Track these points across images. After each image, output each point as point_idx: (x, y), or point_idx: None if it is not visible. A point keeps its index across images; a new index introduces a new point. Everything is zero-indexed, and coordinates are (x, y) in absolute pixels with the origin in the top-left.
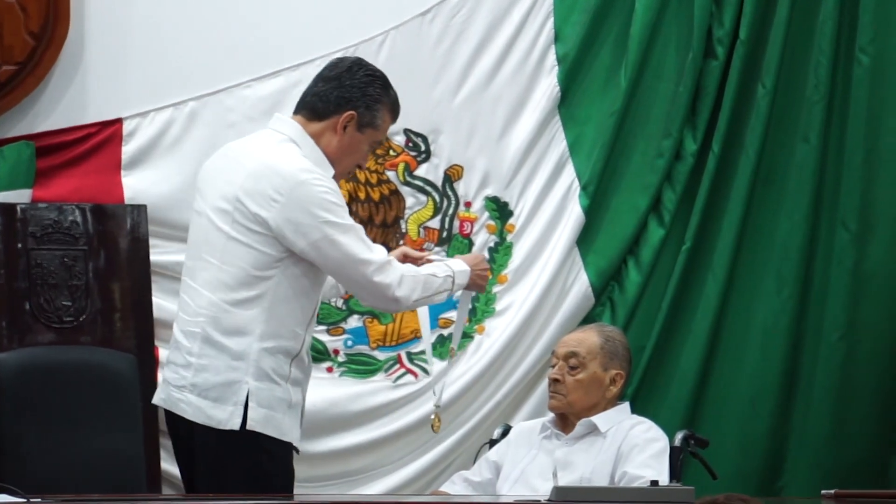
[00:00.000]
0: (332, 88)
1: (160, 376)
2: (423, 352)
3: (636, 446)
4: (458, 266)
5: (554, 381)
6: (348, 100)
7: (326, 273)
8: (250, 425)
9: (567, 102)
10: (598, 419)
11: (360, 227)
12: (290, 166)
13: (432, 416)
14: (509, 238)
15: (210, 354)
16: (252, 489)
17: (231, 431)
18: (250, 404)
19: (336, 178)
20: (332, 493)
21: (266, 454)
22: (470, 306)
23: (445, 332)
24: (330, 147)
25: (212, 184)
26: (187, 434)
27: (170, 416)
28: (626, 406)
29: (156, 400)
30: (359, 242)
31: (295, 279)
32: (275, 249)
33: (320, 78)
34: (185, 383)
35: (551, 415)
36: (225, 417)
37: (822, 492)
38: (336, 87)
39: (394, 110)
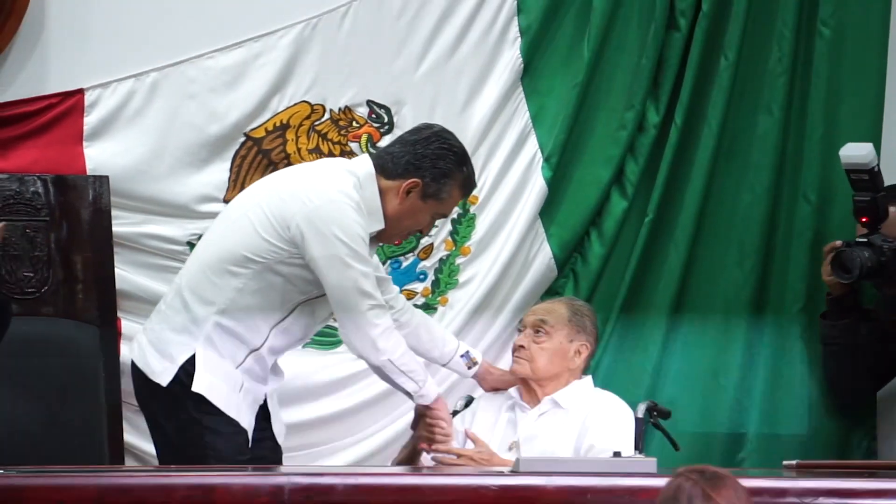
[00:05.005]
0: (405, 153)
1: (122, 347)
2: None
3: (600, 419)
4: (432, 387)
5: (519, 347)
6: (417, 167)
7: (325, 290)
8: (195, 387)
9: (530, 74)
10: (560, 396)
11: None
12: (337, 185)
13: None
14: (472, 209)
15: (176, 308)
16: (186, 448)
17: (162, 388)
18: (198, 368)
19: (387, 237)
20: (295, 465)
21: (204, 426)
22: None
23: None
24: (390, 207)
25: (266, 180)
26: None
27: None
28: (588, 379)
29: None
30: (370, 279)
31: (278, 280)
32: (277, 243)
33: (399, 139)
34: (149, 326)
35: (517, 386)
36: (159, 370)
37: (784, 462)
38: (409, 153)
39: (465, 186)
